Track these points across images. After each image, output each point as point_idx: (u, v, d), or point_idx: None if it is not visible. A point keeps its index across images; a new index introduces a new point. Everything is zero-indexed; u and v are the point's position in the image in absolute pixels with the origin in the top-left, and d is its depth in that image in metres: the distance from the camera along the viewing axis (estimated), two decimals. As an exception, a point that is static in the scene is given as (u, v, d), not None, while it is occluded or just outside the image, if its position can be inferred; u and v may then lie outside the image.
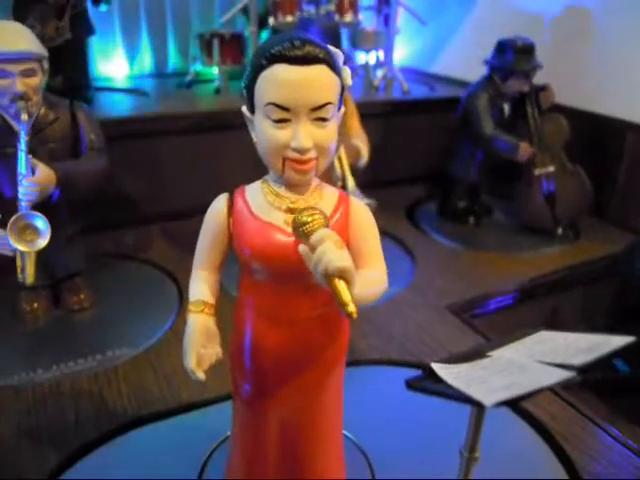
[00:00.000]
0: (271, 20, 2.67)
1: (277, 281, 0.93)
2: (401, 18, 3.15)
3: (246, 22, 2.94)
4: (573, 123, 2.42)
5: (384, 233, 1.45)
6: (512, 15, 2.88)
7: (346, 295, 0.70)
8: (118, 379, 1.55)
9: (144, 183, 2.42)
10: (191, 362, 0.86)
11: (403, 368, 1.63)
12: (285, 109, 0.79)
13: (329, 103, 0.81)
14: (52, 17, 2.29)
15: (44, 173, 1.52)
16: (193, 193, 2.51)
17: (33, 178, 1.50)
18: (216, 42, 2.74)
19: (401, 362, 1.64)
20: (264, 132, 0.81)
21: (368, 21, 3.21)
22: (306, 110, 0.79)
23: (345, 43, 3.09)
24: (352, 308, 0.70)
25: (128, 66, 3.20)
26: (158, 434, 1.38)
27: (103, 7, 2.57)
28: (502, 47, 2.35)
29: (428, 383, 0.82)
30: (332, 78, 0.81)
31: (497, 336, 1.81)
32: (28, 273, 1.59)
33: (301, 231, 0.76)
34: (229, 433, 1.31)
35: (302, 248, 0.75)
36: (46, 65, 1.60)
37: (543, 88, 2.39)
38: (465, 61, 3.19)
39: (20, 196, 1.50)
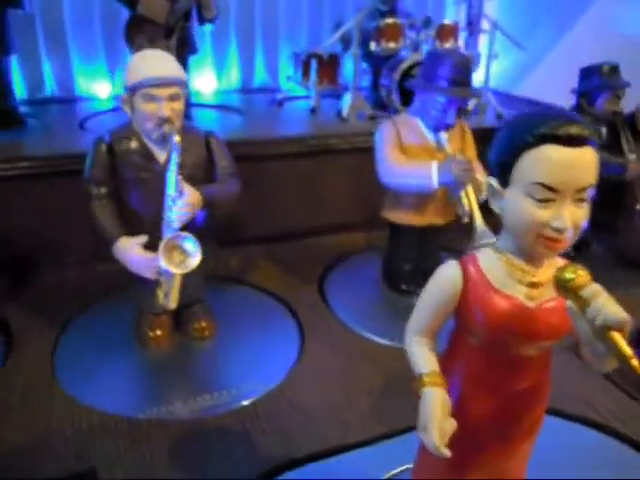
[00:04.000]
0: (372, 45, 2.64)
1: (502, 352, 0.91)
2: (486, 40, 3.10)
3: (341, 44, 2.93)
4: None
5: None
6: (608, 39, 2.82)
7: (627, 348, 0.68)
8: (259, 416, 1.54)
9: (246, 205, 2.41)
10: (435, 439, 0.83)
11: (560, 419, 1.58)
12: (552, 190, 0.77)
13: (591, 185, 0.78)
14: (161, 38, 2.31)
15: (193, 194, 1.52)
16: (294, 215, 2.52)
17: (186, 199, 1.50)
18: (314, 62, 2.74)
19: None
20: (522, 209, 0.79)
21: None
22: (572, 192, 0.77)
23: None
24: (637, 362, 0.68)
25: (216, 81, 3.22)
26: (314, 476, 1.37)
27: (208, 27, 2.58)
28: (587, 72, 2.38)
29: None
30: (595, 159, 0.78)
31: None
32: (172, 297, 1.59)
33: (568, 287, 0.74)
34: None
35: (570, 304, 0.75)
36: (187, 90, 1.60)
37: (637, 109, 2.35)
38: (556, 85, 3.13)
39: (172, 217, 1.50)
